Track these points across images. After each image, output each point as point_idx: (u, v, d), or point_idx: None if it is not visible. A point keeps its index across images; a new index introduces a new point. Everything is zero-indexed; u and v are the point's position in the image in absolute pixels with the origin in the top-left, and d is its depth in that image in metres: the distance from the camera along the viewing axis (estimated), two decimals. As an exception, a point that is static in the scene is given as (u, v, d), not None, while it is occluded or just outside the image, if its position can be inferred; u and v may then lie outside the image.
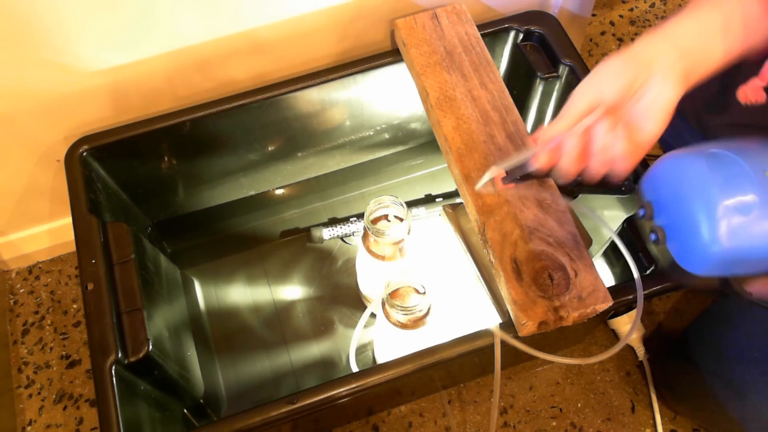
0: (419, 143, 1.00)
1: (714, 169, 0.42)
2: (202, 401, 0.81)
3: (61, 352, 0.93)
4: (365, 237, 0.75)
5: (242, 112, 0.79)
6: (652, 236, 0.47)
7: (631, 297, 0.62)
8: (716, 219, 0.41)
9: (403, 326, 0.68)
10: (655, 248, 0.47)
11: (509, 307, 0.60)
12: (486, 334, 0.62)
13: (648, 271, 0.65)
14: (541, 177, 0.59)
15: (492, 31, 0.82)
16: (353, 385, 0.61)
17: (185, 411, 0.78)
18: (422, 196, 0.99)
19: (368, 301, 0.89)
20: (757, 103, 0.51)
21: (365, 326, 0.86)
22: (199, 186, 0.91)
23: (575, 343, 0.91)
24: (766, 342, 0.60)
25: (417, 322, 0.68)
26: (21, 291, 0.98)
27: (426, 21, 0.77)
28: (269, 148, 0.89)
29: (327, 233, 0.94)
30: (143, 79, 0.75)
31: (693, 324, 0.73)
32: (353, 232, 0.95)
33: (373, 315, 0.83)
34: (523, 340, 0.61)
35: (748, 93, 0.51)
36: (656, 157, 0.81)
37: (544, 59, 0.81)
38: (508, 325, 0.62)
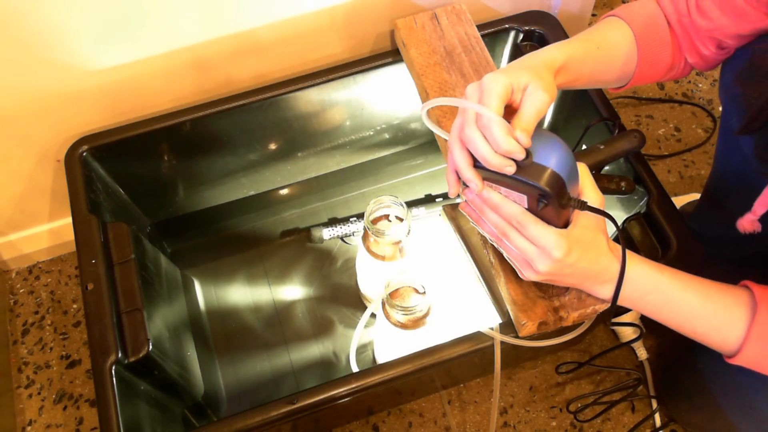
0: (419, 143, 1.00)
1: None
2: (202, 401, 0.81)
3: (61, 352, 0.93)
4: (365, 237, 0.75)
5: (242, 112, 0.79)
6: None
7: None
8: None
9: (403, 326, 0.68)
10: None
11: (509, 308, 0.60)
12: (485, 334, 0.62)
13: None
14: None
15: (492, 32, 0.82)
16: (353, 385, 0.61)
17: (185, 411, 0.78)
18: (422, 196, 0.99)
19: (368, 301, 0.89)
20: (754, 232, 0.57)
21: (365, 326, 0.86)
22: (199, 186, 0.91)
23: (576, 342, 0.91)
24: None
25: (417, 322, 0.68)
26: (21, 291, 0.98)
27: (426, 21, 0.77)
28: (269, 148, 0.89)
29: (327, 233, 0.94)
30: (143, 79, 0.75)
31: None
32: (353, 232, 0.95)
33: (373, 315, 0.83)
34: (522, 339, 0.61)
35: (746, 225, 0.57)
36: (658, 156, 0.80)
37: (544, 59, 0.81)
38: (507, 325, 0.62)
